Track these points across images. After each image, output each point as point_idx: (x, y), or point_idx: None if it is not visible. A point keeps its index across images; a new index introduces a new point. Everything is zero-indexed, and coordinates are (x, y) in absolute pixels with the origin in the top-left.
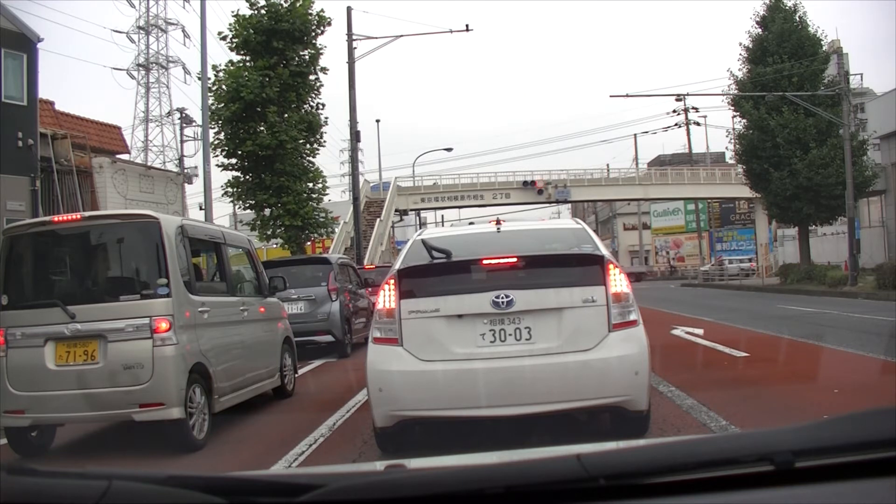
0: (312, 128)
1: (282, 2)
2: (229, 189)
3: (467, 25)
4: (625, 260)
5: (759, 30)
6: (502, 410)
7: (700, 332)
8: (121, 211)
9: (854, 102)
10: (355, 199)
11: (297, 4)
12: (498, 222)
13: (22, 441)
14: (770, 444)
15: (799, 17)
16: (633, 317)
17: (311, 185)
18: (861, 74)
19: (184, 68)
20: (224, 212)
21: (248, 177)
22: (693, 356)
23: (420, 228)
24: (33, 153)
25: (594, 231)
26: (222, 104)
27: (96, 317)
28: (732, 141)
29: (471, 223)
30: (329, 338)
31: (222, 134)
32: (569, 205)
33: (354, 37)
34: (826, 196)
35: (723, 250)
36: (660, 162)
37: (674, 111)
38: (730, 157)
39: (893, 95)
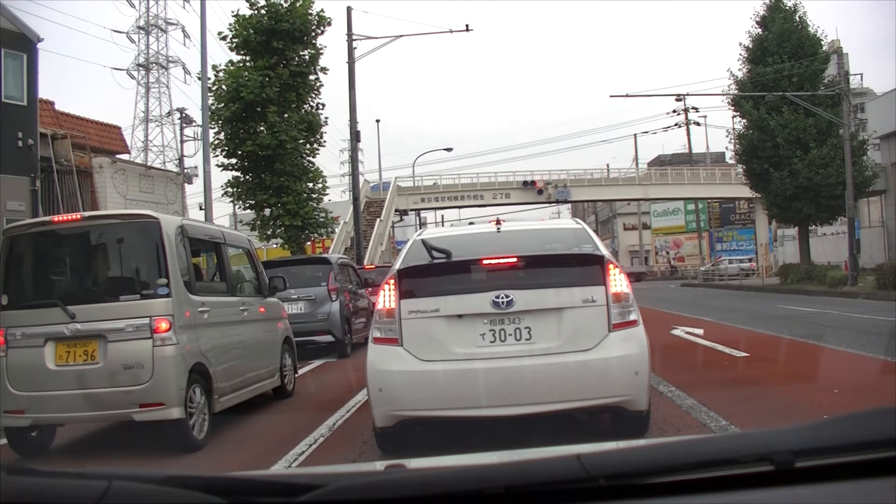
0: (312, 128)
1: (282, 2)
2: (229, 189)
3: (467, 25)
4: (625, 260)
5: (759, 30)
6: (502, 410)
7: (700, 332)
8: (121, 211)
9: (854, 102)
10: (355, 199)
11: (297, 4)
12: (498, 222)
13: (22, 441)
14: (770, 444)
15: (799, 17)
16: (633, 317)
17: (311, 185)
18: (861, 74)
19: (184, 68)
20: (224, 212)
21: (248, 177)
22: (693, 356)
23: (420, 228)
24: (33, 153)
25: (594, 231)
26: (222, 104)
27: (96, 317)
28: (732, 141)
29: (471, 223)
30: (329, 338)
31: (222, 134)
32: (569, 205)
33: (354, 37)
34: (826, 196)
35: (723, 250)
36: (660, 162)
37: (674, 111)
38: (730, 157)
39: (893, 95)
